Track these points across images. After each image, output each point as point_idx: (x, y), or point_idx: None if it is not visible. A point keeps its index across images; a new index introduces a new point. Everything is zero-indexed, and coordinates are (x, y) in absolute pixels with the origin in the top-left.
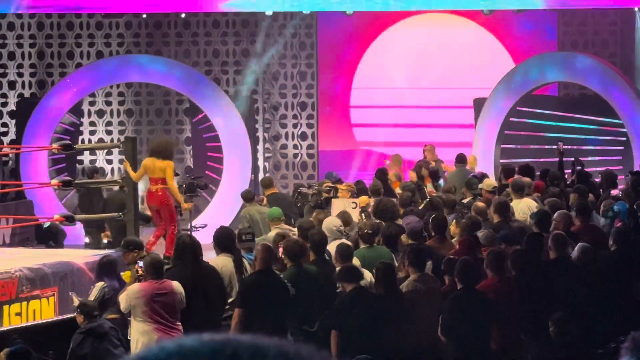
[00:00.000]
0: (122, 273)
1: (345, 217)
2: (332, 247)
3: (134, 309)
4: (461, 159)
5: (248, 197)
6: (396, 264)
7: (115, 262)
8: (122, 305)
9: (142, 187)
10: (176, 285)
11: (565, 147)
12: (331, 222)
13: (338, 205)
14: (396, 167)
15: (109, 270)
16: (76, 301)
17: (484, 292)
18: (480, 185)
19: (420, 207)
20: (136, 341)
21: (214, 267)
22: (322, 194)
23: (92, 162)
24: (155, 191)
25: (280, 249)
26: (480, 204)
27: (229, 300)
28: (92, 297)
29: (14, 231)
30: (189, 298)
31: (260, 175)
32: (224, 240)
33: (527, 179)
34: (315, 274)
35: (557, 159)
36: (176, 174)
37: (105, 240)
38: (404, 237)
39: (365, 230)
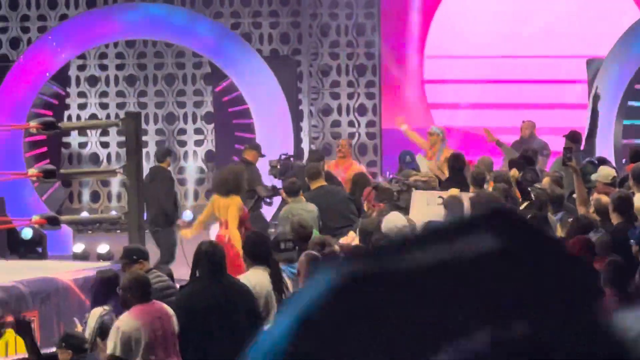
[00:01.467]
0: None
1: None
2: None
3: (133, 349)
4: (573, 139)
5: (292, 190)
6: None
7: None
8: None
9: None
10: (167, 307)
11: None
12: (393, 221)
13: (419, 199)
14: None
15: (113, 288)
16: (80, 328)
17: None
18: (594, 176)
19: (522, 208)
20: None
21: (243, 284)
22: (412, 189)
23: (83, 144)
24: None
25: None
26: (604, 197)
27: (266, 327)
28: (88, 331)
29: None
30: (208, 325)
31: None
32: (257, 249)
33: None
34: None
35: None
36: (262, 155)
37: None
38: None
39: None
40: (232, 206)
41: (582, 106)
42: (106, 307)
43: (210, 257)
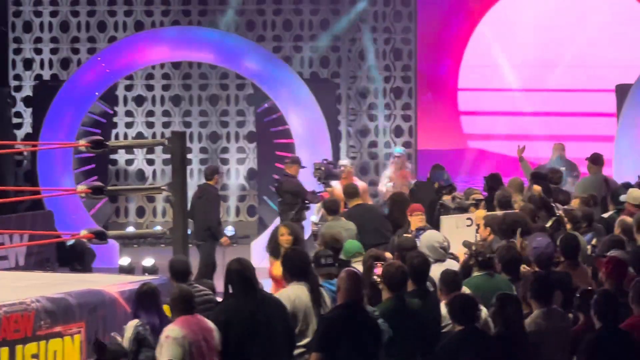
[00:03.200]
0: (164, 305)
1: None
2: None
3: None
4: (596, 161)
5: (332, 208)
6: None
7: (157, 292)
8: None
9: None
10: (209, 321)
11: None
12: (432, 238)
13: (448, 223)
14: (516, 195)
15: (149, 301)
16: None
17: (629, 332)
18: (622, 198)
19: (547, 225)
20: None
21: (277, 299)
22: (469, 209)
23: (129, 161)
24: None
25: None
26: (628, 218)
27: (304, 342)
28: (125, 342)
29: (30, 250)
30: (243, 339)
31: None
32: (296, 264)
33: None
34: (418, 309)
35: None
36: (302, 167)
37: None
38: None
39: (488, 255)
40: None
41: (610, 138)
42: (142, 319)
43: (240, 274)
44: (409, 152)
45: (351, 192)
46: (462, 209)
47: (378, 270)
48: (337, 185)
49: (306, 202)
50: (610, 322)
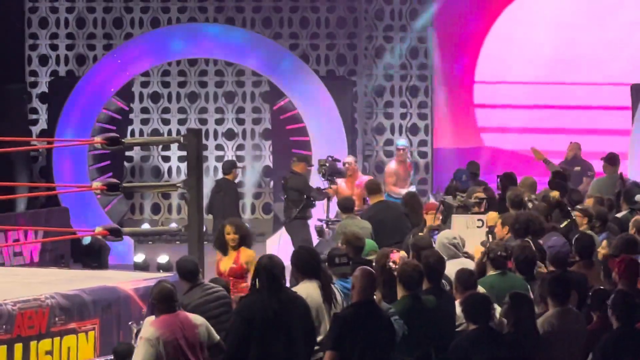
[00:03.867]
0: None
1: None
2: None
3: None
4: (612, 161)
5: (347, 206)
6: (531, 296)
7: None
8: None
9: None
10: (194, 318)
11: None
12: (442, 235)
13: (459, 222)
14: (529, 194)
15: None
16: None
17: None
18: (638, 197)
19: (562, 226)
20: None
21: (301, 297)
22: (472, 208)
23: (145, 158)
24: None
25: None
26: None
27: (318, 339)
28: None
29: (45, 247)
30: (266, 335)
31: None
32: (307, 263)
33: None
34: (434, 307)
35: None
36: (310, 165)
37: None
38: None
39: (499, 253)
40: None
41: (625, 132)
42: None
43: (269, 271)
44: (424, 150)
45: (373, 187)
46: (466, 208)
47: (394, 255)
48: (341, 184)
49: (311, 199)
50: (628, 322)
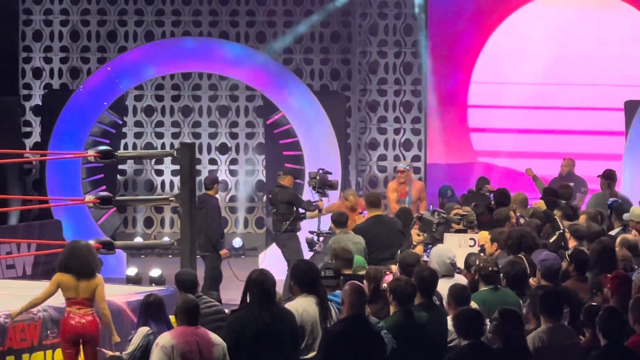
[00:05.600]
0: (172, 315)
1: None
2: (440, 286)
3: None
4: (608, 176)
5: (340, 221)
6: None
7: (163, 302)
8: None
9: None
10: (213, 336)
11: None
12: (443, 253)
13: (451, 241)
14: (521, 210)
15: (156, 312)
16: (117, 339)
17: (633, 350)
18: (626, 216)
19: (552, 240)
20: None
21: (289, 311)
22: (451, 225)
23: (138, 172)
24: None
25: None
26: (629, 236)
27: (310, 355)
28: (132, 346)
29: (38, 259)
30: (256, 349)
31: None
32: (306, 277)
33: None
34: (425, 322)
35: None
36: (296, 179)
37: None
38: (533, 279)
39: (490, 268)
40: (100, 285)
41: (618, 157)
42: (152, 328)
43: (260, 285)
44: (417, 165)
45: (373, 200)
46: (447, 224)
47: (388, 278)
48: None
49: (301, 212)
50: (615, 340)
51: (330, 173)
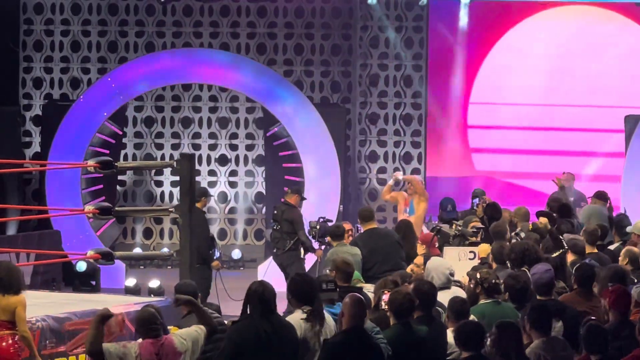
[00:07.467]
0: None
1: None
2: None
3: None
4: (600, 196)
5: (336, 234)
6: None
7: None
8: None
9: None
10: (178, 342)
11: None
12: (441, 265)
13: (451, 255)
14: (522, 224)
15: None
16: None
17: None
18: (629, 229)
19: (554, 255)
20: None
21: (289, 322)
22: (468, 238)
23: (138, 182)
24: None
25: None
26: (634, 248)
27: None
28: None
29: (36, 269)
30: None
31: (352, 206)
32: (303, 290)
33: None
34: (424, 336)
35: None
36: (303, 199)
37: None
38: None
39: (493, 280)
40: (19, 306)
41: (619, 155)
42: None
43: (260, 296)
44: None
45: (366, 215)
46: (464, 237)
47: (386, 297)
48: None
49: (301, 241)
50: (601, 355)
51: (331, 220)
